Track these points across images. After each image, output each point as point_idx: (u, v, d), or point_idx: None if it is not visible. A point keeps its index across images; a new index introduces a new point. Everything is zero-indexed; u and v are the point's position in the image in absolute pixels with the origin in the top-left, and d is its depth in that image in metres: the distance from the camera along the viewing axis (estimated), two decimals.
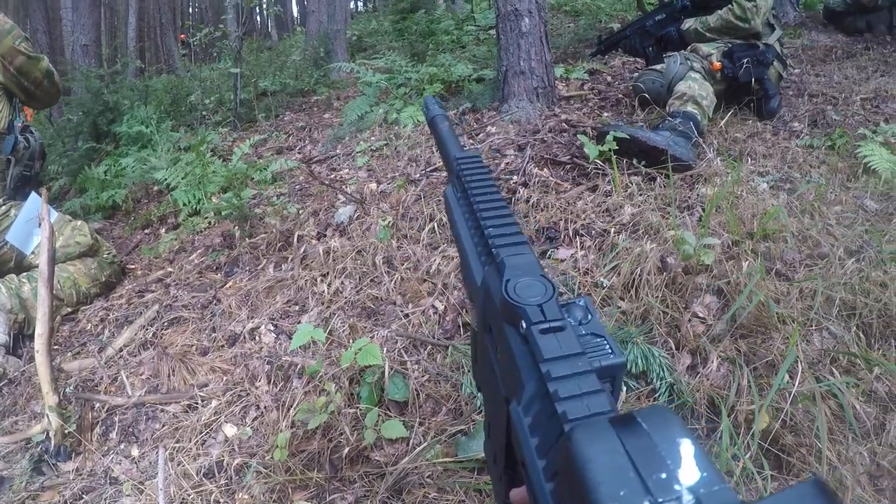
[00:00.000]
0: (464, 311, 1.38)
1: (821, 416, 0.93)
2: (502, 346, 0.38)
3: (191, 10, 19.96)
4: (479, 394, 1.08)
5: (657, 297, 1.24)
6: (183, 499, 1.13)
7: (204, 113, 3.81)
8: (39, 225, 1.88)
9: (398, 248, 1.65)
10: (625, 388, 1.07)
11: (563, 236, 1.55)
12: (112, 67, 3.70)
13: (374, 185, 2.13)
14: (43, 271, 1.61)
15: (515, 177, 1.86)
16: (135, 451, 1.30)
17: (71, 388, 1.50)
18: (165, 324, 1.72)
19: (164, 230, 2.51)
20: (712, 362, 1.08)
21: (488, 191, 0.46)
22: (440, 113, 0.60)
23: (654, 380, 1.07)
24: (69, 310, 1.93)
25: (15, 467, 1.31)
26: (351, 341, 1.27)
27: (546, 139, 2.10)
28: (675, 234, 1.34)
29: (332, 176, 2.44)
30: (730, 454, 0.92)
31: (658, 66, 2.30)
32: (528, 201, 1.72)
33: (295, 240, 1.89)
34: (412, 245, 1.65)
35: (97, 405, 1.45)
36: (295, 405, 1.23)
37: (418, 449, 1.05)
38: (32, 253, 1.94)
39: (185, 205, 2.41)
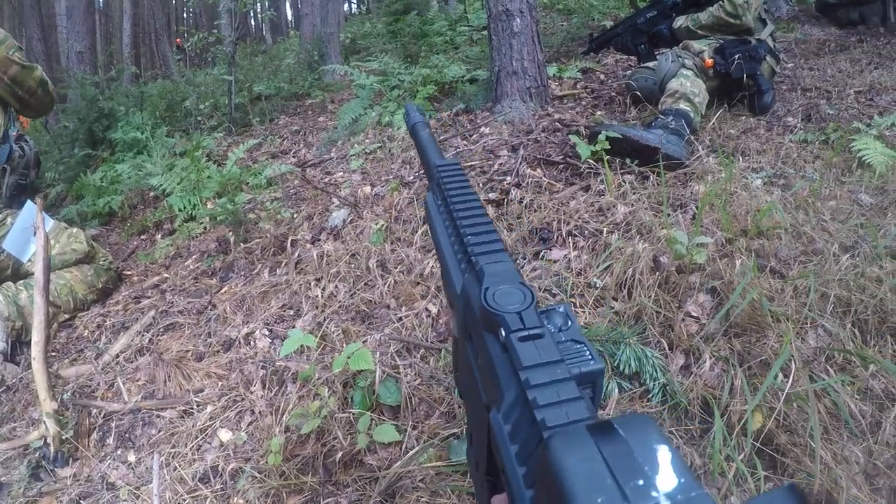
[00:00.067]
0: None
1: (814, 416, 0.92)
2: (482, 353, 0.38)
3: (185, 15, 19.97)
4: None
5: (650, 296, 1.24)
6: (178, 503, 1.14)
7: (199, 118, 3.81)
8: (35, 233, 1.88)
9: (392, 252, 1.65)
10: (617, 390, 1.07)
11: (556, 237, 1.55)
12: (107, 74, 3.69)
13: (367, 189, 2.12)
14: (38, 279, 1.61)
15: (509, 177, 1.86)
16: (131, 457, 1.31)
17: (68, 394, 1.51)
18: (161, 329, 1.72)
19: (160, 236, 2.52)
20: (705, 362, 1.08)
21: (468, 199, 0.46)
22: (421, 120, 0.61)
23: (648, 380, 1.07)
24: (66, 316, 1.93)
25: (13, 473, 1.31)
26: (344, 345, 1.27)
27: (539, 139, 2.10)
28: (667, 234, 1.34)
29: (327, 179, 2.44)
30: (723, 455, 0.91)
31: (650, 64, 2.30)
32: (521, 202, 1.72)
33: (289, 244, 1.89)
34: (405, 248, 1.65)
35: (94, 411, 1.45)
36: (289, 410, 1.23)
37: (411, 452, 1.05)
38: (29, 261, 1.94)
39: (180, 210, 2.41)
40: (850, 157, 1.79)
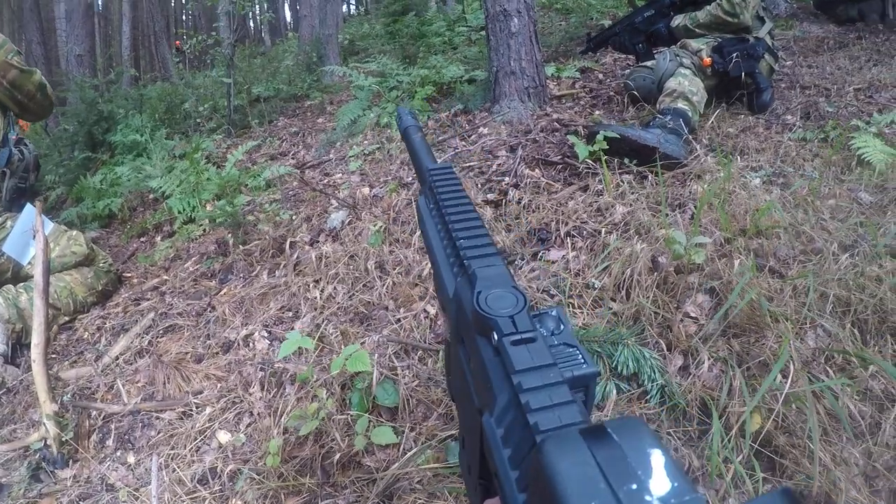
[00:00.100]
0: None
1: (812, 417, 0.92)
2: (475, 357, 0.38)
3: (184, 17, 19.98)
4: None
5: (648, 297, 1.24)
6: None
7: (198, 120, 3.81)
8: (34, 236, 1.89)
9: (390, 253, 1.65)
10: (615, 391, 1.07)
11: (554, 237, 1.55)
12: (106, 77, 3.70)
13: (366, 190, 2.13)
14: (38, 282, 1.61)
15: (507, 178, 1.86)
16: (131, 458, 1.31)
17: (68, 396, 1.51)
18: (161, 331, 1.72)
19: (159, 238, 2.52)
20: (704, 363, 1.08)
21: (460, 202, 0.46)
22: (412, 124, 0.61)
23: (646, 381, 1.07)
24: (66, 319, 1.94)
25: (14, 474, 1.32)
26: (343, 347, 1.27)
27: (538, 139, 2.09)
28: (666, 234, 1.34)
29: (326, 181, 2.44)
30: (721, 457, 0.91)
31: (649, 63, 2.30)
32: (519, 202, 1.72)
33: (288, 246, 1.89)
34: (404, 249, 1.65)
35: (94, 413, 1.45)
36: (287, 411, 1.23)
37: (409, 454, 1.05)
38: (29, 263, 1.95)
39: (179, 212, 2.41)
40: (849, 154, 1.79)
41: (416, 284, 1.51)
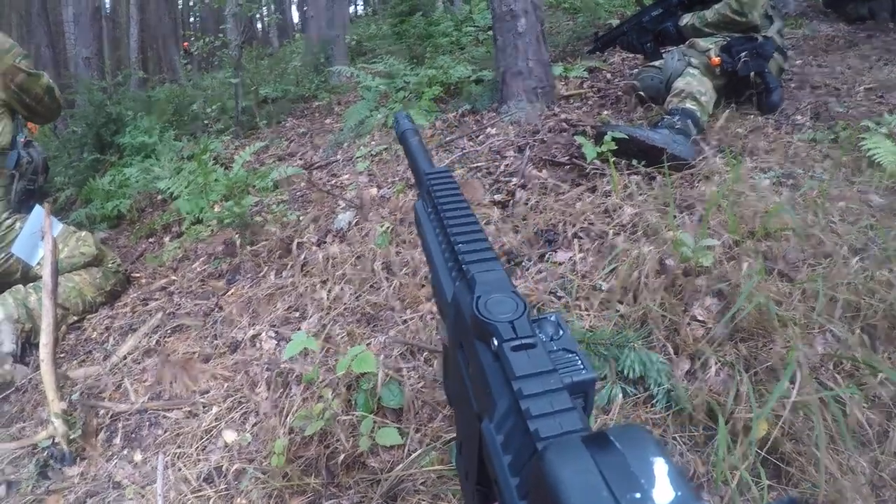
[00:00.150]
0: None
1: (819, 424, 0.90)
2: (473, 362, 0.38)
3: (192, 19, 20.13)
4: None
5: (656, 300, 1.22)
6: (182, 503, 1.14)
7: (206, 121, 3.84)
8: (43, 237, 1.91)
9: (397, 254, 1.65)
10: (621, 395, 1.06)
11: (561, 239, 1.54)
12: (115, 79, 3.74)
13: (374, 190, 2.13)
14: (46, 283, 1.63)
15: (515, 178, 1.86)
16: (137, 457, 1.32)
17: (76, 395, 1.53)
18: (168, 331, 1.74)
19: (167, 239, 2.54)
20: (711, 367, 1.07)
21: (458, 206, 0.46)
22: (410, 128, 0.61)
23: (652, 386, 1.06)
24: (75, 318, 1.96)
25: (22, 471, 1.34)
26: (349, 348, 1.27)
27: (545, 139, 2.09)
28: (674, 235, 1.33)
29: (333, 181, 2.45)
30: (727, 463, 0.90)
31: (657, 63, 2.28)
32: (527, 203, 1.71)
33: (295, 246, 1.90)
34: (411, 250, 1.65)
35: (101, 412, 1.47)
36: (293, 411, 1.24)
37: (413, 455, 1.05)
38: (38, 264, 1.97)
39: (188, 213, 2.43)
40: (859, 156, 1.76)
41: (423, 285, 1.51)
